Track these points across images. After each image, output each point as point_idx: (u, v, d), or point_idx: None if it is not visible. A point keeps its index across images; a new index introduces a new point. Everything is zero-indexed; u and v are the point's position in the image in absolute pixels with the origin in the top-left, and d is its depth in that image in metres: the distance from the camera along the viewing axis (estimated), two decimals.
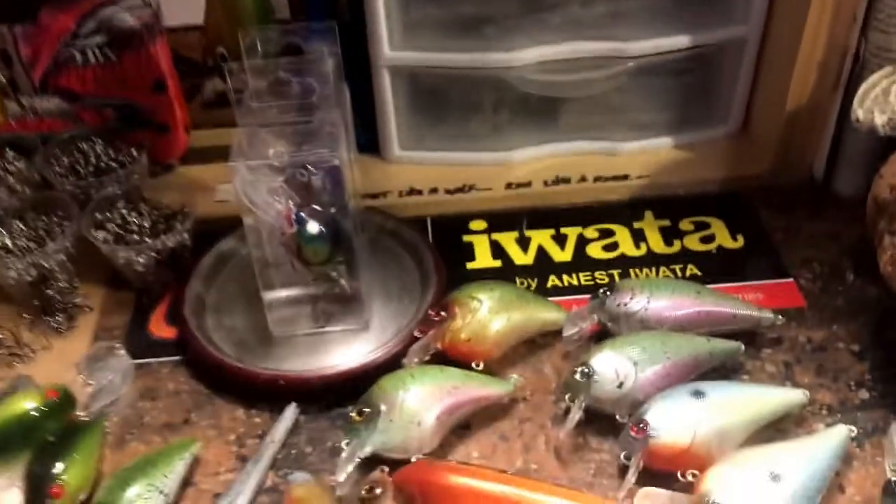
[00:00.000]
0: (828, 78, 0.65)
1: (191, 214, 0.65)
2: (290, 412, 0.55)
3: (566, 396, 0.53)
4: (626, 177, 0.72)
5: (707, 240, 0.68)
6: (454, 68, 0.68)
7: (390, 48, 0.67)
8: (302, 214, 0.55)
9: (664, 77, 0.71)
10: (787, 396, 0.53)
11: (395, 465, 0.50)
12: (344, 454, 0.50)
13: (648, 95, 0.73)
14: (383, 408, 0.51)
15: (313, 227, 0.55)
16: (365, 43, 0.67)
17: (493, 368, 0.58)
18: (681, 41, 0.68)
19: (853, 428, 0.51)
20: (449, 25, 0.68)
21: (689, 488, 0.47)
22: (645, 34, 0.67)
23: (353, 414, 0.51)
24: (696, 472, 0.48)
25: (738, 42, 0.69)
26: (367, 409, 0.51)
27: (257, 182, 0.54)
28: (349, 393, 0.54)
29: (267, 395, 0.56)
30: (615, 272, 0.66)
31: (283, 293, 0.59)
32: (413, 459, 0.50)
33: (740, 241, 0.68)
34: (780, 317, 0.58)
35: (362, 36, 0.67)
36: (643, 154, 0.73)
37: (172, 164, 0.74)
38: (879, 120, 0.55)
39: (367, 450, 0.50)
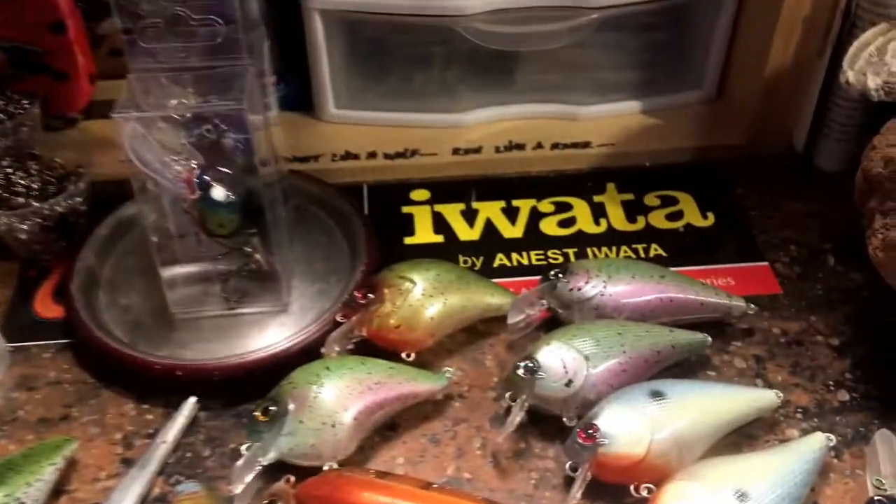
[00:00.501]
0: (814, 37, 0.58)
1: (86, 175, 0.56)
2: (188, 408, 0.47)
3: (507, 395, 0.47)
4: (587, 144, 0.65)
5: (674, 217, 0.61)
6: (396, 14, 0.60)
7: None
8: (206, 178, 0.47)
9: (632, 33, 0.64)
10: (757, 398, 0.47)
11: (305, 473, 0.43)
12: (241, 461, 0.42)
13: (614, 53, 0.65)
14: (291, 406, 0.44)
15: (218, 192, 0.48)
16: None
17: (426, 360, 0.50)
18: None
19: (831, 436, 0.44)
20: None
21: None
22: None
23: (256, 413, 0.44)
24: (651, 486, 0.42)
25: None
26: (272, 408, 0.44)
27: (153, 138, 0.46)
28: (258, 387, 0.47)
29: (163, 387, 0.49)
30: (571, 251, 0.58)
31: (186, 269, 0.52)
32: (325, 468, 0.43)
33: (711, 220, 0.61)
34: (752, 305, 0.52)
35: None
36: (607, 119, 0.66)
37: (75, 117, 0.65)
38: (873, 83, 0.48)
39: (271, 455, 0.43)
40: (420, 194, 0.63)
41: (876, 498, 0.41)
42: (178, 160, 0.47)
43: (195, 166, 0.47)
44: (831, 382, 0.50)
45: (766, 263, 0.57)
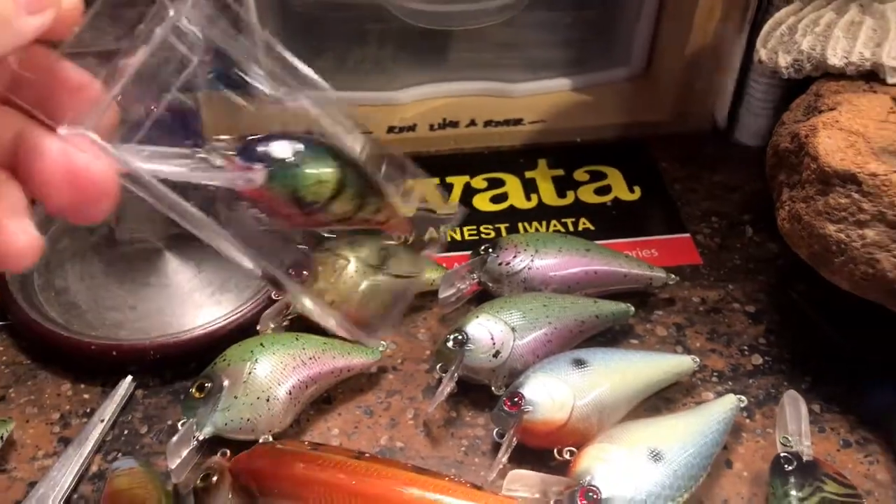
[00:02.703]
0: (733, 15, 0.60)
1: None
2: (123, 387, 0.48)
3: (438, 366, 0.48)
4: (519, 121, 0.66)
5: (602, 191, 0.63)
6: None
7: None
8: (253, 147, 0.36)
9: (561, 11, 0.65)
10: (674, 363, 0.49)
11: (242, 447, 0.44)
12: (176, 436, 0.43)
13: (544, 31, 0.66)
14: (226, 382, 0.45)
15: (280, 148, 0.36)
16: None
17: None
18: None
19: (742, 398, 0.47)
20: None
21: (565, 467, 0.43)
22: None
23: (192, 390, 0.45)
24: (573, 448, 0.44)
25: None
26: (207, 384, 0.45)
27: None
28: (196, 364, 0.48)
29: (99, 367, 0.49)
30: (502, 226, 0.60)
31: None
32: (261, 441, 0.44)
33: (637, 193, 0.63)
34: (672, 276, 0.54)
35: None
36: (538, 97, 0.67)
37: None
38: (783, 61, 0.51)
39: (207, 431, 0.44)
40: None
41: (782, 454, 0.44)
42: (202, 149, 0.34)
43: (225, 141, 0.35)
44: (746, 347, 0.52)
45: (688, 235, 0.59)
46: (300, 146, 0.36)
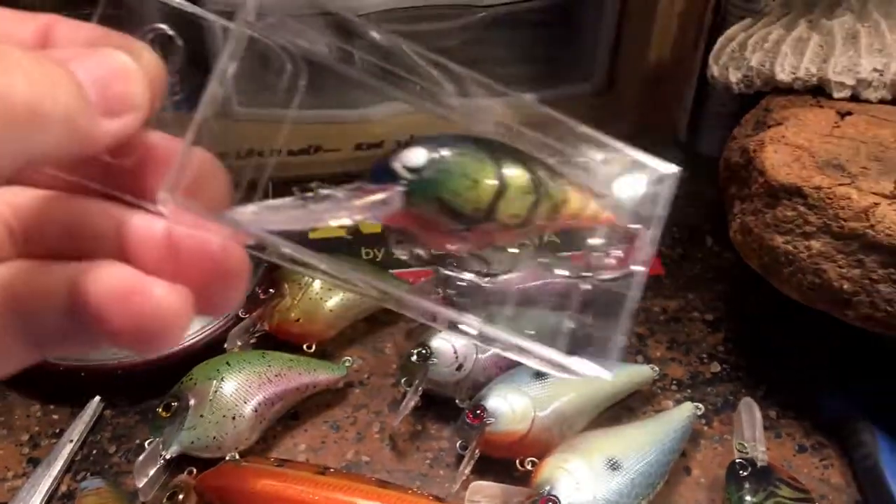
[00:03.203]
0: (689, 31, 0.61)
1: None
2: (92, 407, 0.49)
3: (403, 380, 0.49)
4: None
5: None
6: (294, 14, 0.61)
7: None
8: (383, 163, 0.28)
9: (522, 29, 0.66)
10: (634, 373, 0.50)
11: (209, 465, 0.45)
12: (143, 455, 0.44)
13: (507, 49, 0.68)
14: (192, 401, 0.46)
15: (414, 156, 0.28)
16: None
17: (329, 350, 0.53)
18: None
19: (699, 405, 0.48)
20: None
21: (527, 478, 0.44)
22: None
23: (159, 409, 0.46)
24: (535, 459, 0.45)
25: None
26: (174, 403, 0.46)
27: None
28: (162, 383, 0.49)
29: (68, 388, 0.50)
30: None
31: None
32: (227, 458, 0.45)
33: None
34: None
35: None
36: (503, 111, 0.68)
37: None
38: (734, 77, 0.52)
39: (174, 449, 0.45)
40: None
41: (737, 460, 0.45)
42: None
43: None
44: (705, 355, 0.54)
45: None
46: (438, 146, 0.28)
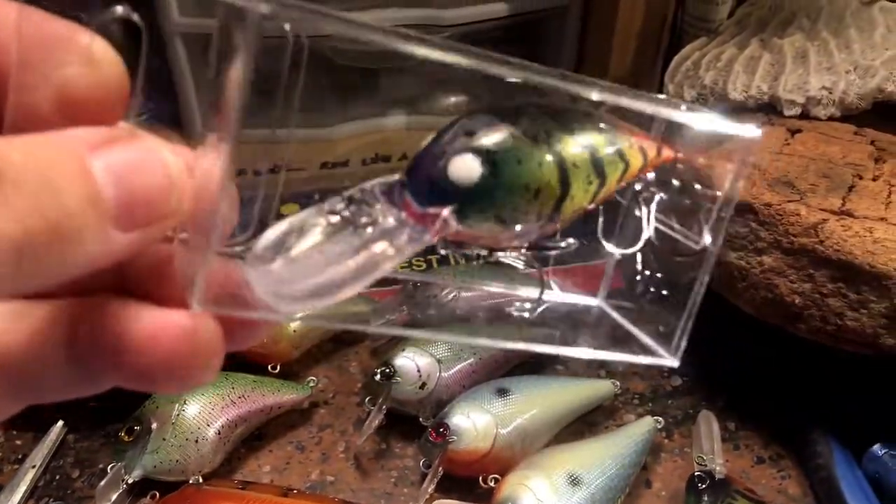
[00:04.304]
0: (648, 49, 0.63)
1: None
2: (55, 432, 0.49)
3: (367, 399, 0.50)
4: None
5: None
6: None
7: (180, 13, 0.60)
8: (415, 177, 0.24)
9: (486, 47, 0.67)
10: (595, 388, 0.51)
11: (172, 488, 0.45)
12: (105, 480, 0.44)
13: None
14: (154, 425, 0.46)
15: (460, 165, 0.23)
16: (152, 6, 0.60)
17: (294, 369, 0.53)
18: (498, 9, 0.63)
19: (660, 419, 0.49)
20: None
21: (490, 495, 0.44)
22: (461, 2, 0.63)
23: (121, 433, 0.46)
24: (497, 476, 0.45)
25: (559, 11, 0.65)
26: (136, 427, 0.46)
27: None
28: (124, 407, 0.48)
29: (30, 413, 0.49)
30: (434, 258, 0.62)
31: None
32: (190, 481, 0.45)
33: None
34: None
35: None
36: None
37: None
38: (688, 95, 0.53)
39: (137, 473, 0.45)
40: (289, 208, 0.65)
41: (696, 473, 0.46)
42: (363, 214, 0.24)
43: (380, 191, 0.25)
44: (665, 370, 0.54)
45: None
46: (490, 148, 0.23)
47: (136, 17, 0.21)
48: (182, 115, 0.66)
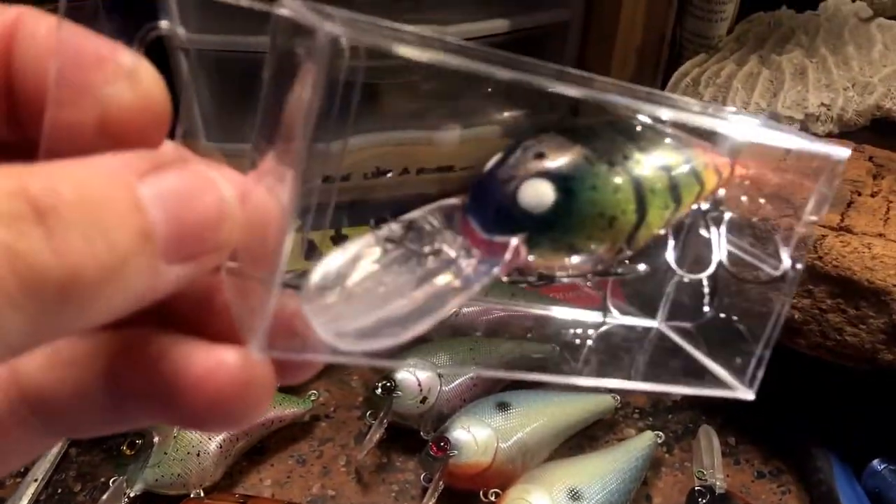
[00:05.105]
0: (647, 65, 0.63)
1: None
2: (57, 446, 0.49)
3: (368, 413, 0.50)
4: (450, 168, 0.68)
5: None
6: (259, 52, 0.62)
7: (186, 30, 0.61)
8: (473, 209, 0.24)
9: None
10: (596, 402, 0.51)
11: (173, 502, 0.45)
12: (107, 494, 0.44)
13: (472, 82, 0.69)
14: (156, 438, 0.46)
15: (530, 192, 0.22)
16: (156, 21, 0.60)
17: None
18: (499, 25, 0.64)
19: (660, 434, 0.49)
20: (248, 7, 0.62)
21: None
22: (461, 18, 0.63)
23: (123, 447, 0.46)
24: (498, 490, 0.45)
25: (560, 27, 0.66)
26: (138, 441, 0.46)
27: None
28: None
29: None
30: None
31: None
32: (192, 495, 0.45)
33: None
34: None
35: (153, 15, 0.60)
36: (468, 144, 0.70)
37: None
38: None
39: (138, 487, 0.45)
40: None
41: (696, 488, 0.46)
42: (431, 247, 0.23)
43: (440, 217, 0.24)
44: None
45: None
46: (561, 171, 0.22)
47: (181, 31, 0.20)
48: (186, 128, 0.67)
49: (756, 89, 0.51)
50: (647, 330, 0.32)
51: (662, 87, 0.61)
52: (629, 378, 0.26)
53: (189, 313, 0.18)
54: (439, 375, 0.50)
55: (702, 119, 0.23)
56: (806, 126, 0.50)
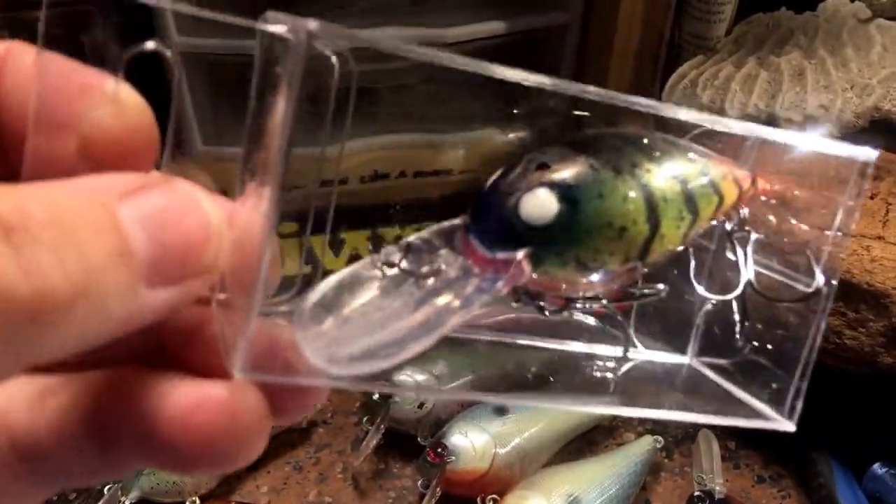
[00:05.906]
0: (645, 66, 0.63)
1: None
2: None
3: (365, 419, 0.49)
4: (448, 172, 0.68)
5: None
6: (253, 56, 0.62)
7: (179, 33, 0.60)
8: (475, 225, 0.23)
9: None
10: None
11: None
12: (103, 501, 0.44)
13: (470, 84, 0.69)
14: None
15: (532, 203, 0.21)
16: (151, 25, 0.60)
17: None
18: (496, 27, 0.64)
19: (659, 438, 0.49)
20: (245, 8, 0.61)
21: None
22: (460, 20, 0.63)
23: None
24: (496, 496, 0.45)
25: (558, 29, 0.66)
26: None
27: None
28: None
29: None
30: None
31: None
32: (187, 503, 0.45)
33: None
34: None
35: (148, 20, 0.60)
36: (467, 147, 0.69)
37: None
38: None
39: (134, 494, 0.45)
40: (287, 227, 0.65)
41: (696, 493, 0.46)
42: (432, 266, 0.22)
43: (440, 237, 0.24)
44: None
45: None
46: (565, 181, 0.21)
47: (168, 52, 0.19)
48: (184, 132, 0.66)
49: (754, 91, 0.50)
50: (677, 365, 0.30)
51: (661, 89, 0.61)
52: (658, 408, 0.25)
53: (179, 349, 0.18)
54: (437, 380, 0.49)
55: (714, 121, 0.22)
56: (805, 128, 0.50)
